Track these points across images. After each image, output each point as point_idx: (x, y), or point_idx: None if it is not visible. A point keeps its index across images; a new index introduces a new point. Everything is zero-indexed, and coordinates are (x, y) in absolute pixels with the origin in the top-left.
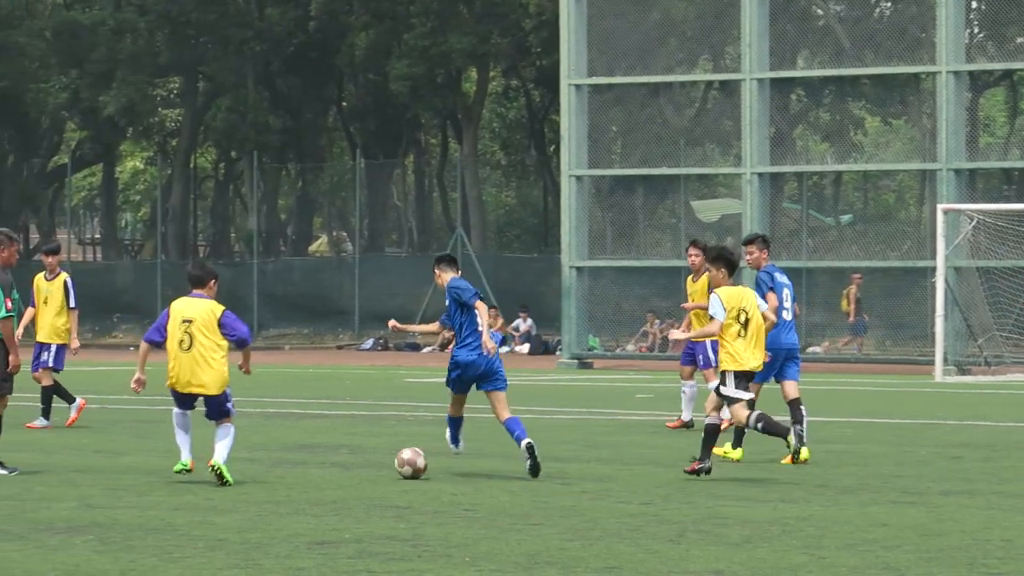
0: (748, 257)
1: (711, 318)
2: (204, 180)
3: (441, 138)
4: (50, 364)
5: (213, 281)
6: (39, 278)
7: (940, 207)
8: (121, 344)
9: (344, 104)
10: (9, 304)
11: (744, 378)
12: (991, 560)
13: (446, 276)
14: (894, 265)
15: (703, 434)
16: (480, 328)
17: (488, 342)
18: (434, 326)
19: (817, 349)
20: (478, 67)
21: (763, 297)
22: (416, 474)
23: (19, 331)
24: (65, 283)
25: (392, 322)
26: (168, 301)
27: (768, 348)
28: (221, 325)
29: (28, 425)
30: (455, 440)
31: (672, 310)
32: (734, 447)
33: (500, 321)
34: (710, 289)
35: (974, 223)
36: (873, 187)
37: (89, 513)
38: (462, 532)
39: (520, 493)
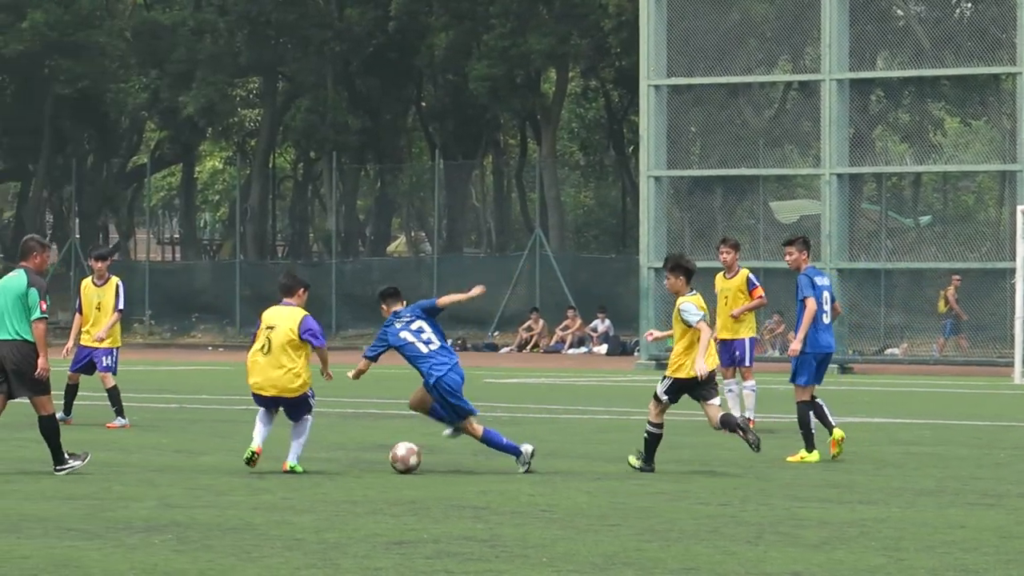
0: (788, 258)
1: (688, 325)
2: (283, 180)
3: (520, 139)
4: (112, 368)
5: (302, 290)
6: (86, 283)
7: (1020, 208)
8: (199, 344)
9: (423, 104)
10: (44, 306)
11: (684, 387)
12: None
13: (392, 310)
14: (973, 267)
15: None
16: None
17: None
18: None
19: (895, 351)
20: (557, 68)
21: (801, 301)
22: (408, 471)
23: (69, 343)
24: (117, 287)
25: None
26: (246, 301)
27: (808, 350)
28: (300, 330)
29: (108, 425)
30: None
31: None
32: (808, 451)
33: (579, 322)
34: (750, 287)
35: None
36: (952, 188)
37: (168, 512)
38: (539, 533)
39: (598, 494)
